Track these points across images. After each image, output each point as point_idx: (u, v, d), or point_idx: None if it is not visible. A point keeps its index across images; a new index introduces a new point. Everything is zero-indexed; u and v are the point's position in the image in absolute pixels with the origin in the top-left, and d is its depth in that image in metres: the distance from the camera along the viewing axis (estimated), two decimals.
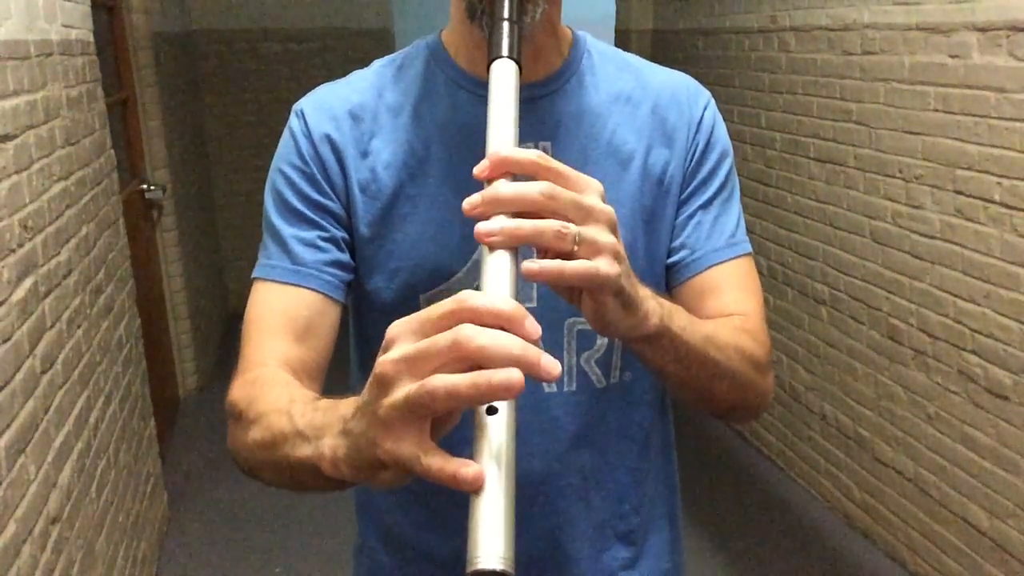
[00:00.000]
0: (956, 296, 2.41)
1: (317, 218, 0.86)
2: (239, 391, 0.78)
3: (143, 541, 2.63)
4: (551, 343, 0.88)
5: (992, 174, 2.25)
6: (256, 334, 0.84)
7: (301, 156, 0.87)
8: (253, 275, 0.88)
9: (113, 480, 2.32)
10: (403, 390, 0.50)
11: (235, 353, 0.84)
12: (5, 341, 1.63)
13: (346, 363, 0.99)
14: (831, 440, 3.08)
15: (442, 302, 0.52)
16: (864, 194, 2.78)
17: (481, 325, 0.50)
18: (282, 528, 3.02)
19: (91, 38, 2.52)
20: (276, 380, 0.76)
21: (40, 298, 1.86)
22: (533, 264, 0.57)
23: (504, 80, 0.68)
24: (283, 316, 0.84)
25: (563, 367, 0.89)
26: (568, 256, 0.59)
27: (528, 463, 0.89)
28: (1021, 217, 2.17)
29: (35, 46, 1.96)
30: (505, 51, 0.71)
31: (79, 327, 2.13)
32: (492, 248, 0.57)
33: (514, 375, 0.48)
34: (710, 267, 0.90)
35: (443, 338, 0.50)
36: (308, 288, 0.84)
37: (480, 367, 0.50)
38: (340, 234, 0.87)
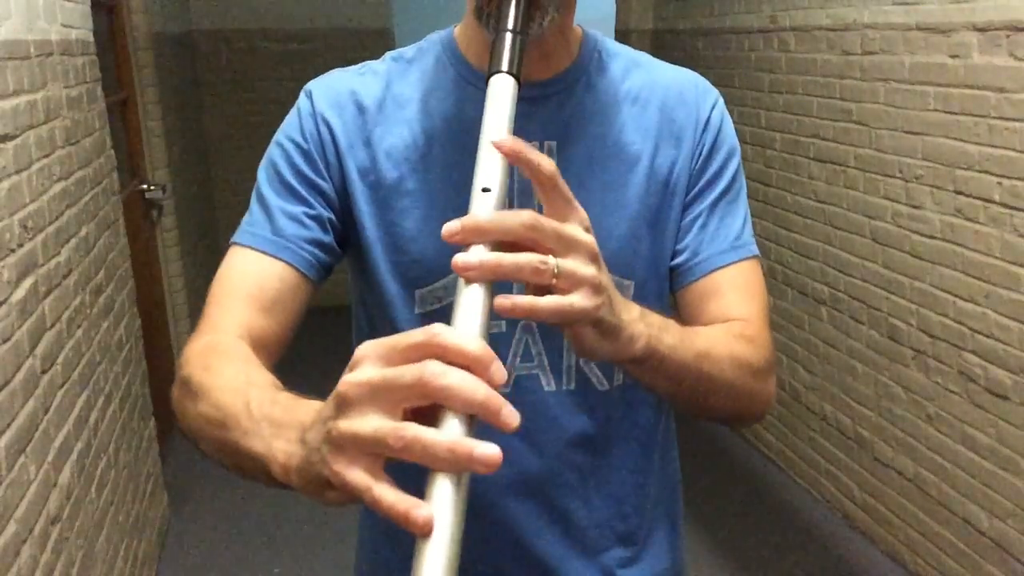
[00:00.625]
0: (956, 296, 2.41)
1: (306, 195, 0.86)
2: (195, 352, 0.76)
3: (143, 541, 2.63)
4: (549, 345, 0.88)
5: (992, 174, 2.25)
6: (223, 297, 0.83)
7: (302, 133, 0.88)
8: (232, 239, 0.87)
9: (113, 480, 2.32)
10: (371, 423, 0.48)
11: None
12: (5, 341, 1.63)
13: (344, 362, 0.99)
14: (831, 440, 3.08)
15: (413, 332, 0.50)
16: (864, 194, 2.78)
17: (448, 363, 0.48)
18: (282, 528, 3.02)
19: (91, 38, 2.52)
20: (235, 353, 0.75)
21: (40, 298, 1.86)
22: (506, 300, 0.56)
23: (500, 98, 0.67)
24: (254, 284, 0.83)
25: (562, 367, 0.89)
26: (547, 289, 0.59)
27: (526, 460, 0.89)
28: (1021, 217, 2.17)
29: (35, 46, 1.96)
30: (504, 66, 0.69)
31: (79, 327, 2.13)
32: (468, 281, 0.56)
33: (495, 453, 0.46)
34: (713, 271, 0.89)
35: (409, 372, 0.48)
36: (283, 260, 0.84)
37: (439, 404, 0.48)
38: (327, 214, 0.87)
